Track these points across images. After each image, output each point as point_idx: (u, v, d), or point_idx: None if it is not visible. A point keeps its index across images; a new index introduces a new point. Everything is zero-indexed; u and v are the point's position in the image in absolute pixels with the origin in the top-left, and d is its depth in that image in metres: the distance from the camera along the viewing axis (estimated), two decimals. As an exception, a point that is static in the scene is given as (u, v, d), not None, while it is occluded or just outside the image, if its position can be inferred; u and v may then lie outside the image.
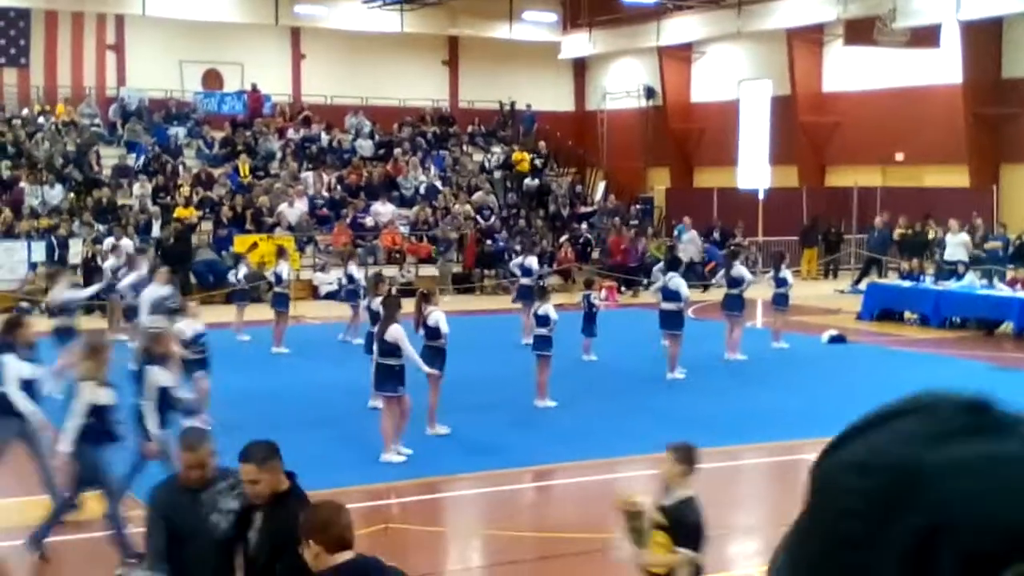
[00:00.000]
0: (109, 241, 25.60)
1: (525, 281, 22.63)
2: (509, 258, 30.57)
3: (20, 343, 10.63)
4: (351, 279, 21.23)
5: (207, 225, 30.18)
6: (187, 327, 14.06)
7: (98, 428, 9.46)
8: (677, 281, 18.70)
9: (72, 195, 30.17)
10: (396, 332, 12.91)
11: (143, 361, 10.57)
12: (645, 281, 30.85)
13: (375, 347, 13.35)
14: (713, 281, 25.38)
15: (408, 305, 14.24)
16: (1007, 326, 23.21)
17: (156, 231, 28.82)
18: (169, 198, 31.09)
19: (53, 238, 26.58)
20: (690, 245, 31.62)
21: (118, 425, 9.69)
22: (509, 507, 10.81)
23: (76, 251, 26.58)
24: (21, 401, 10.21)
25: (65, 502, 9.78)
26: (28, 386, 10.36)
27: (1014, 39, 32.85)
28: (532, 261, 23.67)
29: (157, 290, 16.91)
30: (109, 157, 33.23)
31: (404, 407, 13.10)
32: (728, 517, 11.23)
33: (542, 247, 29.82)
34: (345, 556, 5.31)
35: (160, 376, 10.35)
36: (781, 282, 21.31)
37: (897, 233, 31.39)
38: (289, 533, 5.87)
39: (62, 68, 37.13)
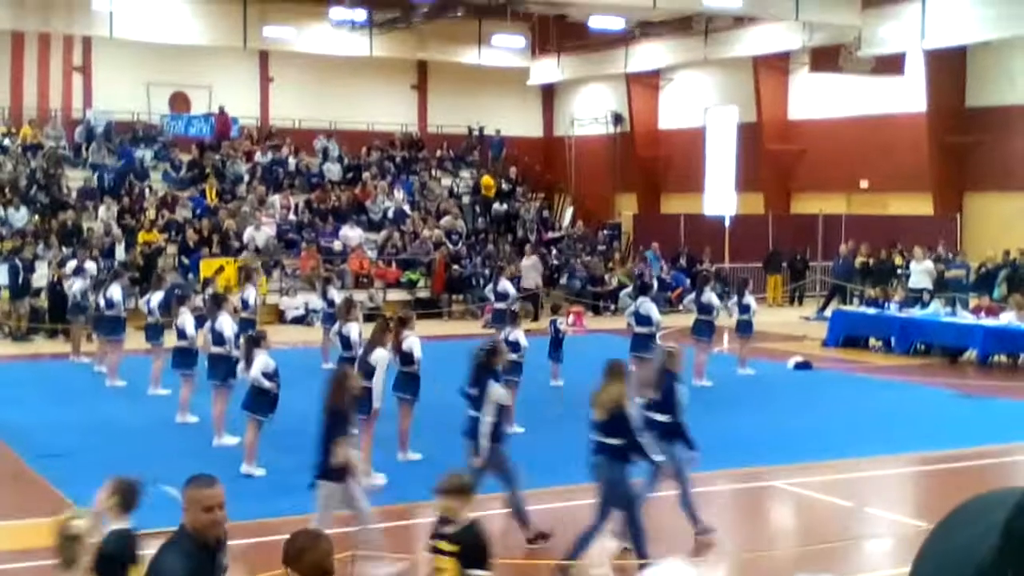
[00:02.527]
0: (72, 264, 25.34)
1: (500, 306, 22.60)
2: (477, 283, 30.59)
3: (499, 367, 11.34)
4: (331, 303, 20.66)
5: (173, 248, 30.04)
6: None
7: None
8: (648, 306, 18.79)
9: (37, 217, 29.95)
10: (379, 357, 13.02)
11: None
12: (612, 307, 31.00)
13: (356, 369, 13.41)
14: (681, 307, 25.51)
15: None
16: (970, 353, 23.41)
17: (120, 254, 28.64)
18: (135, 221, 30.93)
19: (18, 260, 26.36)
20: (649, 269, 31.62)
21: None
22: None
23: (41, 274, 26.35)
24: (487, 429, 10.76)
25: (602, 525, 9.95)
26: (502, 410, 11.00)
27: (978, 68, 33.25)
28: (508, 286, 23.66)
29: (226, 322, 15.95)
30: (75, 179, 33.05)
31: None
32: (693, 543, 11.24)
33: (511, 271, 29.90)
34: None
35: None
36: (744, 308, 21.43)
37: (859, 261, 31.62)
38: None
39: (28, 89, 36.95)
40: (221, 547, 5.68)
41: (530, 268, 30.84)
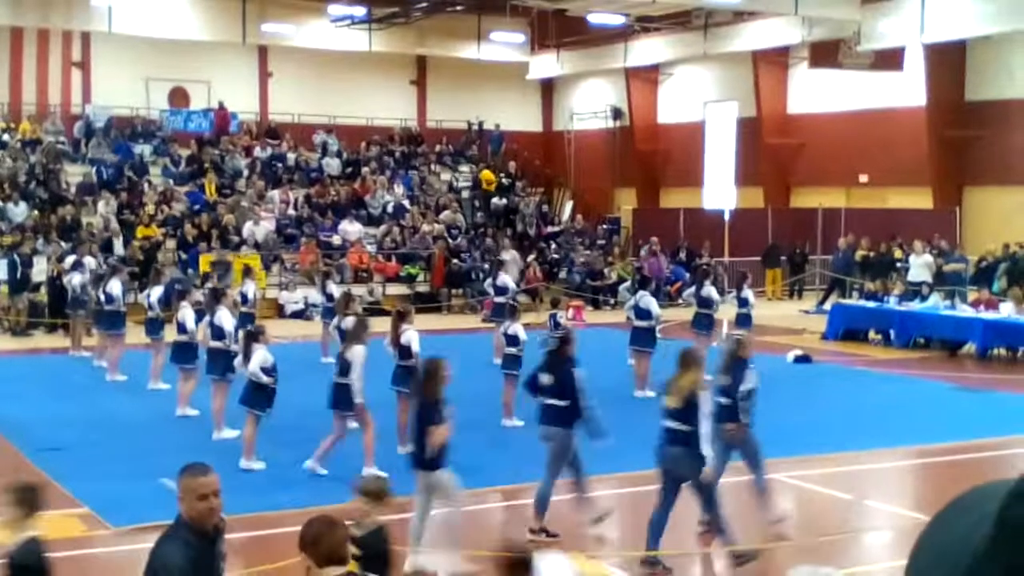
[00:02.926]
0: (71, 259, 25.32)
1: (499, 300, 22.60)
2: (477, 277, 30.58)
3: (572, 354, 11.73)
4: (330, 298, 20.83)
5: (172, 243, 30.04)
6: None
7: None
8: (647, 300, 18.79)
9: (36, 212, 29.95)
10: (356, 353, 12.96)
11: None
12: (612, 301, 30.99)
13: (335, 366, 13.42)
14: (680, 300, 25.52)
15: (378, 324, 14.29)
16: (970, 347, 23.43)
17: (119, 249, 28.63)
18: (134, 216, 30.92)
19: (16, 255, 26.37)
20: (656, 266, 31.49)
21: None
22: (476, 527, 10.80)
23: (41, 269, 26.36)
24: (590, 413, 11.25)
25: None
26: None
27: (977, 62, 33.24)
28: (507, 280, 23.64)
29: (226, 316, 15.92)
30: (74, 175, 33.05)
31: (362, 424, 13.19)
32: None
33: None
34: (336, 571, 5.26)
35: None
36: (743, 302, 21.43)
37: (859, 255, 31.63)
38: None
39: (27, 85, 36.95)
40: (219, 535, 5.66)
41: (510, 263, 29.66)
